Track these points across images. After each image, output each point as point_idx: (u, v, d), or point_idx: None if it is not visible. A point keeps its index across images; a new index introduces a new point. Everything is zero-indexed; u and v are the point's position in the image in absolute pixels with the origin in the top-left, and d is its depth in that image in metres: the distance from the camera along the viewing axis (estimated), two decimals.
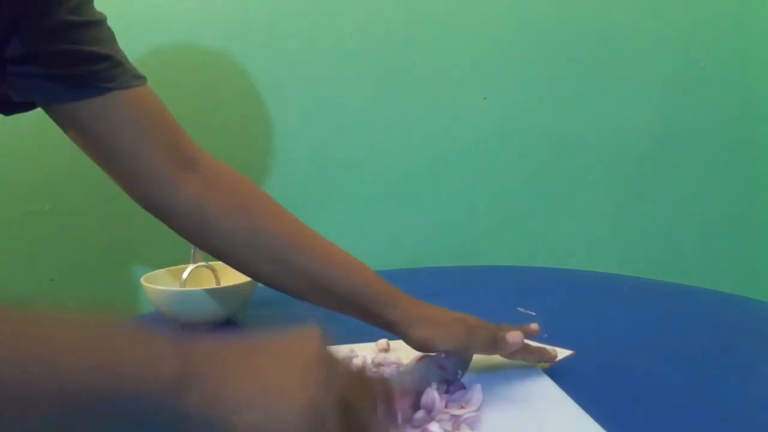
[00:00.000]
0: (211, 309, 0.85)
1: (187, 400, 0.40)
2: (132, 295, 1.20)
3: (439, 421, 0.55)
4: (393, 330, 0.66)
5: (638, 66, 1.35)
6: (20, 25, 0.60)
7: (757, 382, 0.67)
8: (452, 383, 0.62)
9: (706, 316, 0.86)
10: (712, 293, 0.94)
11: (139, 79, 0.68)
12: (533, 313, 0.89)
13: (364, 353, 0.73)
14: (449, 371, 0.62)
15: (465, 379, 0.63)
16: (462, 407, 0.58)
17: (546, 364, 0.71)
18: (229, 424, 0.40)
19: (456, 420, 0.56)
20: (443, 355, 0.63)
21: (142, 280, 0.87)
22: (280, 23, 1.23)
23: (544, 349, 0.68)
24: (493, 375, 0.66)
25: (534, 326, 0.69)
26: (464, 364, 0.65)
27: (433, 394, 0.58)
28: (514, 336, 0.64)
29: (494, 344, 0.64)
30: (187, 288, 0.87)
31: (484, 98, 1.32)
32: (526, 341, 0.66)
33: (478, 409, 0.58)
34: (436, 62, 1.29)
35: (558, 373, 0.69)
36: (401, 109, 1.30)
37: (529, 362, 0.68)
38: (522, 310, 0.91)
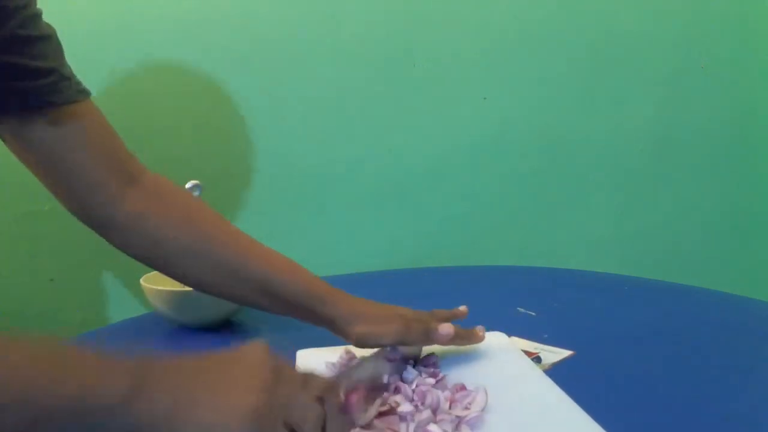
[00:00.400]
0: (210, 310, 0.85)
1: (137, 415, 0.41)
2: (132, 295, 1.20)
3: (440, 421, 0.55)
4: (333, 327, 0.68)
5: (638, 66, 1.35)
6: None
7: (757, 382, 0.67)
8: (405, 374, 0.64)
9: (706, 316, 0.86)
10: (712, 293, 0.94)
11: (83, 93, 0.68)
12: (533, 313, 0.89)
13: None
14: (399, 364, 0.64)
15: (468, 382, 0.63)
16: (467, 408, 0.58)
17: (547, 365, 0.71)
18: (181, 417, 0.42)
19: (458, 421, 0.56)
20: (389, 348, 0.64)
21: (141, 280, 0.87)
22: (280, 23, 1.23)
23: (473, 331, 0.71)
24: (493, 377, 0.66)
25: (462, 309, 0.73)
26: (415, 354, 0.68)
27: (437, 394, 0.58)
28: (445, 328, 0.66)
29: (428, 337, 0.66)
30: (187, 288, 0.87)
31: (484, 98, 1.32)
32: (456, 325, 0.68)
33: (482, 410, 0.58)
34: (436, 62, 1.29)
35: (558, 373, 0.69)
36: (401, 109, 1.30)
37: (461, 346, 0.71)
38: (522, 310, 0.91)
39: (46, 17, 0.67)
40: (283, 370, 0.47)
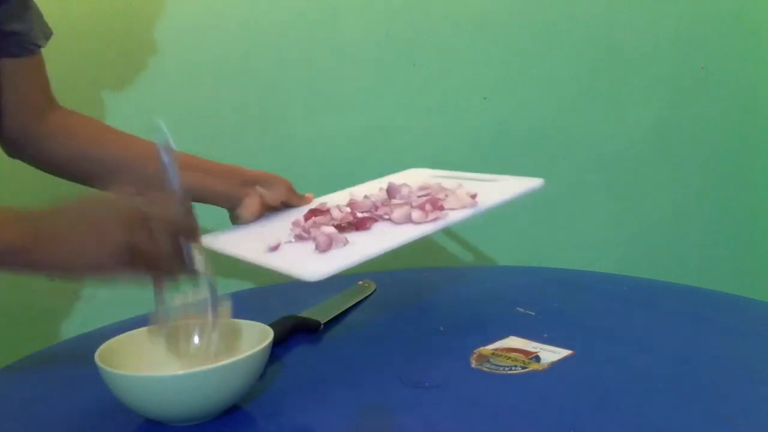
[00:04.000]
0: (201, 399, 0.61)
1: (36, 260, 0.57)
2: (132, 294, 1.19)
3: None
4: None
5: (638, 66, 1.36)
6: None
7: (757, 382, 0.67)
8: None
9: (706, 316, 0.86)
10: (712, 293, 0.94)
11: (38, 47, 0.84)
12: (533, 313, 0.89)
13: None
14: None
15: None
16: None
17: (546, 364, 0.71)
18: (66, 266, 0.58)
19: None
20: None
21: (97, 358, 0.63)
22: (280, 23, 1.23)
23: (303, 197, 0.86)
24: None
25: (308, 195, 0.91)
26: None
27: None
28: (250, 205, 0.82)
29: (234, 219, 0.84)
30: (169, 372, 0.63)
31: (484, 98, 1.32)
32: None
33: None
34: (436, 62, 1.29)
35: (557, 372, 0.69)
36: (401, 109, 1.30)
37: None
38: (522, 310, 0.91)
39: None
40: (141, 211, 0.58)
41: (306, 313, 0.86)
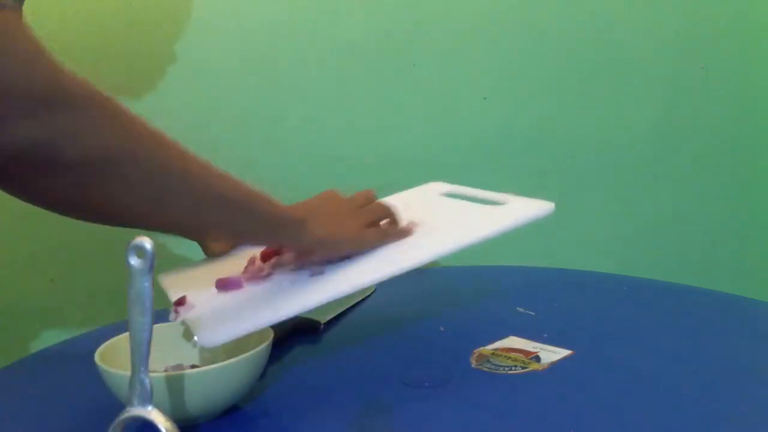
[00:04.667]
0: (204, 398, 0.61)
1: (311, 231, 0.67)
2: None
3: None
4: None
5: (638, 66, 1.36)
6: None
7: (757, 382, 0.67)
8: None
9: (706, 316, 0.86)
10: (712, 293, 0.94)
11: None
12: (533, 313, 0.89)
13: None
14: None
15: None
16: None
17: (546, 364, 0.71)
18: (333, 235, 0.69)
19: None
20: None
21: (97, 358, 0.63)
22: (280, 23, 1.23)
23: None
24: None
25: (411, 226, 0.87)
26: None
27: None
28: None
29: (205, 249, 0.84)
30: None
31: (484, 98, 1.32)
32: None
33: None
34: (436, 62, 1.29)
35: (557, 372, 0.69)
36: (401, 109, 1.30)
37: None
38: (522, 310, 0.91)
39: None
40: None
41: (306, 313, 0.86)
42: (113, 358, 0.62)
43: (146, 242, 0.44)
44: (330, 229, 0.69)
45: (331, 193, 0.76)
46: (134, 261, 0.44)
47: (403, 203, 0.86)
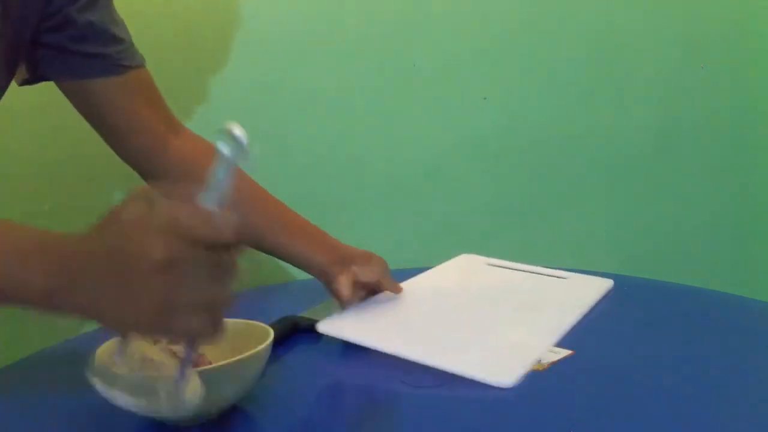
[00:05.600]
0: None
1: (57, 305, 0.48)
2: None
3: None
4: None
5: (638, 66, 1.35)
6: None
7: (757, 382, 0.67)
8: None
9: (706, 316, 0.86)
10: (712, 293, 0.94)
11: (142, 59, 0.84)
12: None
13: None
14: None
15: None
16: None
17: (545, 364, 0.71)
18: (95, 315, 0.47)
19: None
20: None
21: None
22: (280, 23, 1.23)
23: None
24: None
25: (399, 286, 0.89)
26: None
27: None
28: (344, 285, 0.81)
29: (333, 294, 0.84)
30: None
31: (484, 98, 1.32)
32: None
33: None
34: (436, 62, 1.29)
35: (557, 372, 0.69)
36: (401, 109, 1.30)
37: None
38: None
39: None
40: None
41: (306, 313, 0.86)
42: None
43: (236, 128, 0.44)
44: (93, 305, 0.46)
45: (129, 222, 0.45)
46: (224, 147, 0.46)
47: (454, 279, 0.95)
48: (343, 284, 0.80)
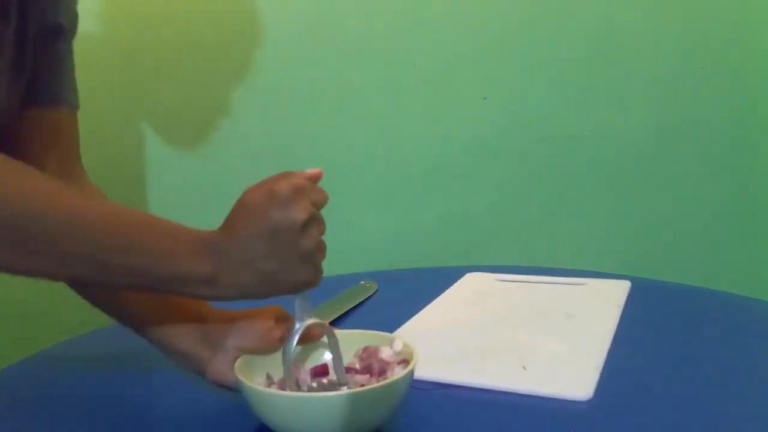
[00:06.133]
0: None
1: (214, 290, 0.53)
2: None
3: None
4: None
5: (638, 66, 1.35)
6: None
7: (758, 382, 0.67)
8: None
9: (706, 316, 0.86)
10: (712, 293, 0.94)
11: (77, 99, 0.76)
12: None
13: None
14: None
15: None
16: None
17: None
18: (256, 289, 0.54)
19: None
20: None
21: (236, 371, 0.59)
22: (280, 23, 1.23)
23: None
24: None
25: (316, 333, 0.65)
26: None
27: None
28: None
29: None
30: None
31: (484, 98, 1.32)
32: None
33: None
34: (436, 62, 1.29)
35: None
36: (401, 109, 1.30)
37: None
38: None
39: None
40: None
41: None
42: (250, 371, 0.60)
43: None
44: (252, 282, 0.54)
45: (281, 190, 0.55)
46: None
47: (473, 301, 0.93)
48: (217, 372, 0.62)
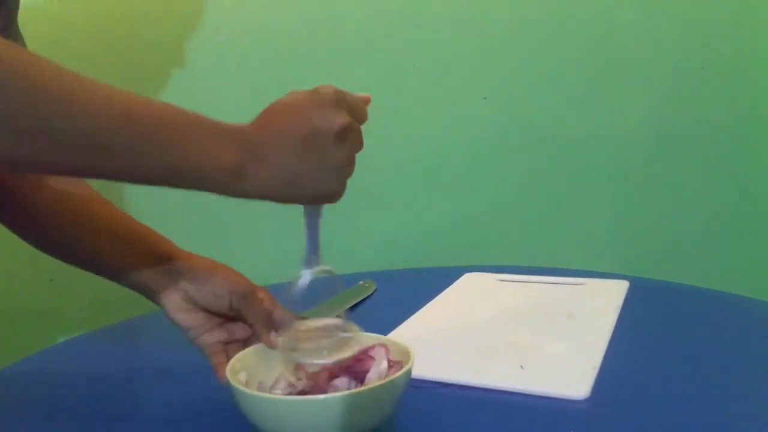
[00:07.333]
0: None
1: (233, 184, 0.50)
2: (132, 295, 1.19)
3: None
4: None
5: (638, 66, 1.35)
6: None
7: (758, 382, 0.67)
8: None
9: (706, 316, 0.86)
10: (712, 293, 0.94)
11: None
12: None
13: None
14: None
15: None
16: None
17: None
18: (282, 189, 0.52)
19: None
20: None
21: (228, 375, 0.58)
22: (280, 23, 1.23)
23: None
24: None
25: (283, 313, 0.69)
26: None
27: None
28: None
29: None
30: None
31: (484, 98, 1.32)
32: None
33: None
34: (436, 62, 1.29)
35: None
36: (401, 109, 1.30)
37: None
38: None
39: None
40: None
41: (306, 313, 0.86)
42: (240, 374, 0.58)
43: None
44: (281, 179, 0.51)
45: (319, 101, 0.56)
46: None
47: (473, 301, 0.93)
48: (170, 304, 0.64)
